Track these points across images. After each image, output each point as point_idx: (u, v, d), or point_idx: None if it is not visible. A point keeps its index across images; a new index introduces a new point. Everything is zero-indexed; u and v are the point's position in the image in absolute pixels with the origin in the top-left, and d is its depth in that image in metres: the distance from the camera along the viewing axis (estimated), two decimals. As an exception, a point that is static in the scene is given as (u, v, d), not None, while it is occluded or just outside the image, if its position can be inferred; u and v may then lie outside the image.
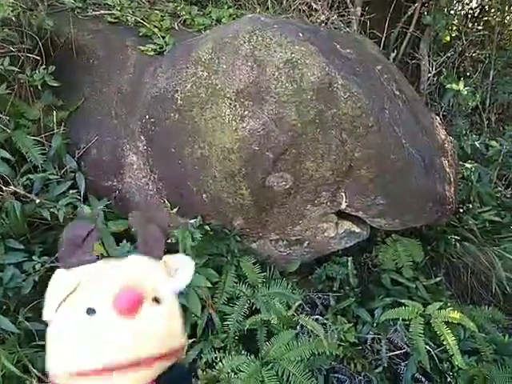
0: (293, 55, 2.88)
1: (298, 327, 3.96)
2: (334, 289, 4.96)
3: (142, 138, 3.96)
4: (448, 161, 4.83)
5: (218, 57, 2.96)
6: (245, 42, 2.89)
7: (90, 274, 0.86)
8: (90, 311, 0.78)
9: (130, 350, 0.76)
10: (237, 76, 3.50)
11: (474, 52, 7.14)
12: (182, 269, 0.98)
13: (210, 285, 3.89)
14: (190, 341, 3.04)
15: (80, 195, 3.13)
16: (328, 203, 4.13)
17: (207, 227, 4.05)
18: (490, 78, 6.63)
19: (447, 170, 4.73)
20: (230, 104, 3.53)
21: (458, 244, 5.45)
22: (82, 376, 0.74)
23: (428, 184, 4.28)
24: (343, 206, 4.16)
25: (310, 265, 4.97)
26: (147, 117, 3.87)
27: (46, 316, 0.84)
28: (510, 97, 6.68)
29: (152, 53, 3.44)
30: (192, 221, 4.06)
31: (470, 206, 5.50)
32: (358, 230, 4.66)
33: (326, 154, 3.62)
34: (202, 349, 3.14)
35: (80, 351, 0.76)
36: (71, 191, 3.03)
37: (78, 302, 0.81)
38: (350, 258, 4.97)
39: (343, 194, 4.05)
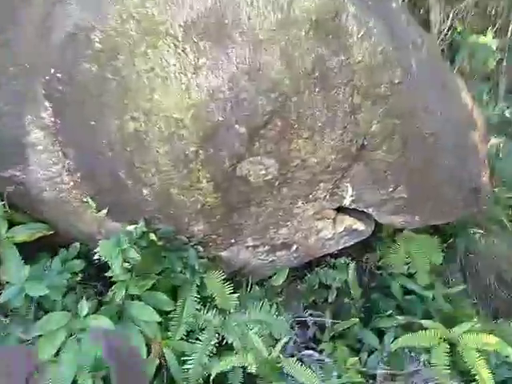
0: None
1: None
2: (330, 300, 3.80)
3: (47, 104, 2.51)
4: (479, 135, 3.55)
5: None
6: None
7: None
8: None
9: None
10: (186, 0, 2.07)
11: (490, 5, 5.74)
12: None
13: (158, 319, 2.59)
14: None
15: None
16: (326, 198, 2.82)
17: (153, 236, 2.69)
18: (508, 35, 5.33)
19: (479, 147, 3.46)
20: (176, 47, 2.11)
21: (481, 239, 4.31)
22: None
23: (462, 168, 3.01)
24: (347, 202, 2.88)
25: (298, 268, 3.78)
26: (53, 71, 2.41)
27: None
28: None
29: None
30: (130, 227, 2.68)
31: (496, 190, 4.31)
32: (361, 227, 3.43)
33: (329, 128, 2.29)
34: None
35: None
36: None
37: None
38: (351, 263, 3.76)
39: (348, 186, 2.75)
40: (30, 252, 2.76)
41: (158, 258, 2.82)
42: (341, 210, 3.32)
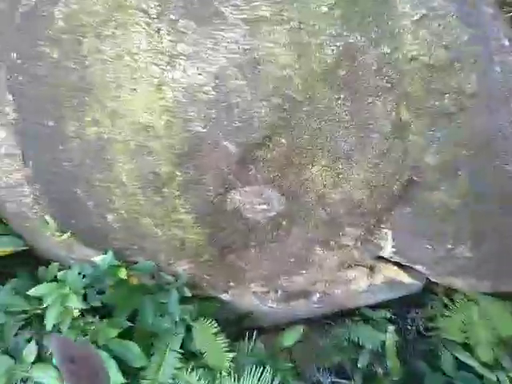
0: None
1: None
2: (360, 365, 2.94)
3: (10, 97, 1.97)
4: None
5: None
6: None
7: None
8: None
9: None
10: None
11: None
12: None
13: (122, 380, 1.94)
14: None
15: None
16: (357, 247, 2.00)
17: (123, 272, 2.05)
18: None
19: None
20: (149, 26, 1.45)
21: None
22: None
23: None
24: (386, 253, 2.03)
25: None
26: (14, 56, 1.86)
27: None
28: None
29: None
30: (97, 258, 2.07)
31: None
32: (407, 280, 2.55)
33: (358, 154, 1.49)
34: None
35: None
36: None
37: None
38: (391, 325, 2.90)
39: (388, 233, 1.90)
40: (10, 267, 2.25)
41: (133, 299, 2.16)
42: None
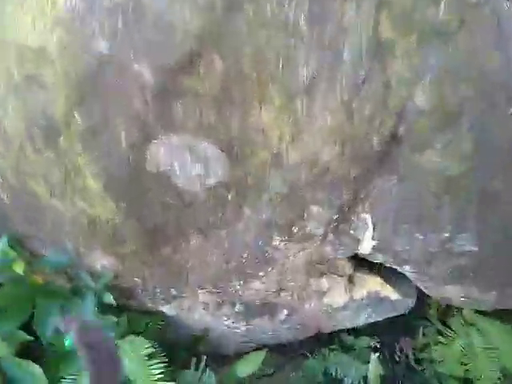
0: None
1: None
2: None
3: None
4: None
5: None
6: None
7: None
8: None
9: None
10: None
11: None
12: None
13: None
14: None
15: None
16: (328, 239, 1.49)
17: (19, 266, 1.49)
18: None
19: None
20: None
21: None
22: None
23: None
24: (365, 248, 1.53)
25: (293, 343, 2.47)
26: None
27: None
28: None
29: None
30: None
31: None
32: (394, 296, 2.07)
33: (324, 79, 1.01)
34: None
35: None
36: None
37: None
38: (374, 355, 2.40)
39: (367, 218, 1.40)
40: None
41: (30, 303, 1.59)
42: (361, 263, 1.99)
